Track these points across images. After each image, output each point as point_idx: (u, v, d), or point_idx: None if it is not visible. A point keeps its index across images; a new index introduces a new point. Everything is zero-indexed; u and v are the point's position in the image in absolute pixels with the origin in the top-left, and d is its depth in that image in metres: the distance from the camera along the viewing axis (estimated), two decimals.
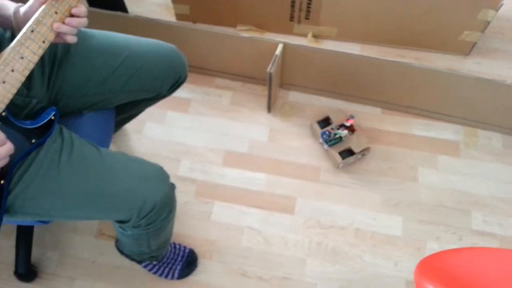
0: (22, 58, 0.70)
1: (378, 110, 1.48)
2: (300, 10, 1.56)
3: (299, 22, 1.61)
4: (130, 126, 1.44)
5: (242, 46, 1.42)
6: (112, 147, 1.42)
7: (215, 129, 1.46)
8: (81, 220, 1.21)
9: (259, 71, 1.42)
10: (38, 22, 0.70)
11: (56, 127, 0.82)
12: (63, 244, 1.25)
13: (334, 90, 1.49)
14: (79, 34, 0.79)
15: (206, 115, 1.49)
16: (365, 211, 1.30)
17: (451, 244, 1.24)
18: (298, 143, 1.43)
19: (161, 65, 0.96)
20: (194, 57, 1.50)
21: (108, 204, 0.79)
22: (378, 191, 1.33)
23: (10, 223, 1.19)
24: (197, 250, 1.23)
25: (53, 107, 0.83)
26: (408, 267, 1.21)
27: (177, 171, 1.38)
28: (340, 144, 1.36)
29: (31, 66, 0.71)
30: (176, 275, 1.17)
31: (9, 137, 0.67)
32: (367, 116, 1.47)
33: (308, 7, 1.53)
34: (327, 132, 1.36)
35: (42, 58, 0.85)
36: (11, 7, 0.75)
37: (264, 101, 1.50)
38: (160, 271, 1.16)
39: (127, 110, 1.11)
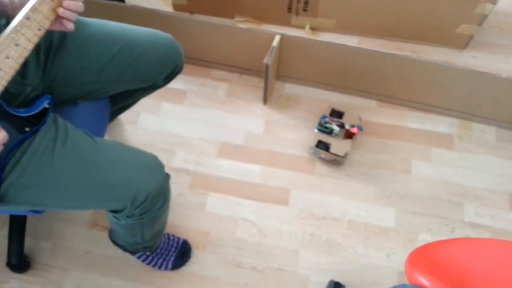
0: (17, 45, 0.69)
1: (373, 103, 1.49)
2: (298, 1, 1.55)
3: (297, 13, 1.60)
4: (125, 117, 1.43)
5: (239, 37, 1.41)
6: (107, 138, 1.41)
7: (211, 121, 1.46)
8: (75, 209, 1.20)
9: (255, 62, 1.42)
10: (34, 9, 0.70)
11: (51, 115, 0.81)
12: (57, 234, 1.25)
13: (330, 83, 1.49)
14: (76, 23, 0.79)
15: (202, 107, 1.49)
16: (358, 203, 1.30)
17: (443, 236, 1.25)
18: (294, 135, 1.43)
19: (158, 54, 0.96)
20: (190, 48, 1.50)
21: (102, 193, 0.79)
22: (371, 183, 1.34)
23: (3, 213, 1.19)
24: (191, 241, 1.24)
25: (48, 96, 0.82)
26: (400, 258, 1.22)
27: (171, 162, 1.38)
28: (327, 136, 1.36)
29: (26, 53, 0.71)
30: (170, 266, 1.17)
31: (3, 125, 0.67)
32: (363, 108, 1.47)
33: None
34: (326, 118, 1.36)
35: (37, 46, 0.83)
36: None
37: (260, 93, 1.50)
38: (153, 262, 1.16)
39: (122, 100, 1.11)
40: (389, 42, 1.62)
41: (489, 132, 1.43)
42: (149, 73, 0.96)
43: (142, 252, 1.14)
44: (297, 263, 1.22)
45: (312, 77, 1.49)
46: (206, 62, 1.55)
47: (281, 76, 1.53)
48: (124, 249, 1.13)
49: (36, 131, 0.78)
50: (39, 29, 0.71)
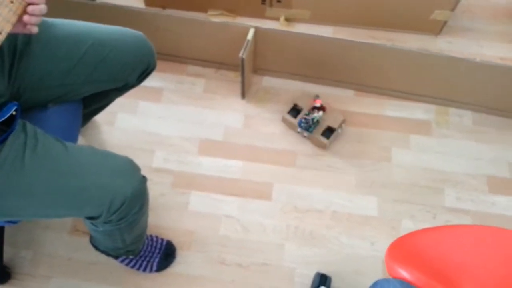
0: None
1: (351, 92, 1.49)
2: None
3: (271, 5, 1.58)
4: (101, 118, 1.40)
5: (213, 32, 1.39)
6: (83, 141, 1.39)
7: (189, 118, 1.44)
8: (50, 218, 1.18)
9: (231, 56, 1.40)
10: None
11: (19, 122, 0.78)
12: (36, 242, 1.22)
13: (307, 74, 1.48)
14: (41, 24, 0.76)
15: (179, 104, 1.47)
16: (341, 193, 1.31)
17: (425, 222, 1.27)
18: (274, 129, 1.42)
19: (128, 53, 0.93)
20: (164, 44, 1.47)
21: (76, 200, 0.77)
22: (353, 173, 1.34)
23: None
24: (175, 241, 1.22)
25: (14, 102, 0.79)
26: (384, 246, 1.22)
27: (151, 163, 1.35)
28: (319, 126, 1.36)
29: None
30: (154, 267, 1.16)
31: None
32: (341, 98, 1.47)
33: None
34: (303, 120, 1.36)
35: (1, 51, 0.81)
36: None
37: (237, 87, 1.48)
38: (137, 265, 1.14)
39: (95, 102, 1.08)
40: (364, 30, 1.61)
41: (466, 117, 1.45)
42: (120, 72, 0.93)
43: (125, 256, 1.12)
44: (282, 257, 1.22)
45: (289, 69, 1.48)
46: (181, 58, 1.53)
47: (258, 70, 1.51)
48: (107, 254, 1.11)
49: (4, 140, 0.75)
50: (0, 33, 0.68)
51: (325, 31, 1.61)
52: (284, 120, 1.41)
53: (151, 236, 1.19)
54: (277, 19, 1.63)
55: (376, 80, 1.44)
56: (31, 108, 0.91)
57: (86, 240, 1.20)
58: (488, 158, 1.37)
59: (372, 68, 1.39)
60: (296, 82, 1.50)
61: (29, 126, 0.80)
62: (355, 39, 1.32)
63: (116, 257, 1.12)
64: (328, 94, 1.47)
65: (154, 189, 1.31)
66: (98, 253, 1.13)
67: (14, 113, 0.78)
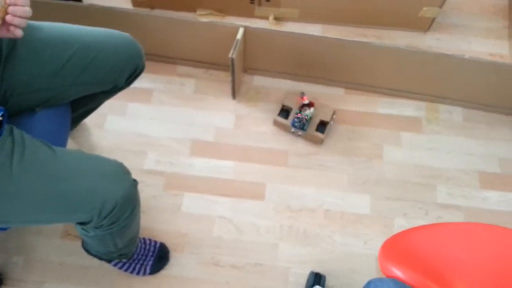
0: None
1: (341, 91, 1.49)
2: None
3: (259, 4, 1.58)
4: (90, 121, 1.38)
5: (202, 32, 1.38)
6: (73, 144, 1.37)
7: (180, 119, 1.43)
8: (39, 224, 1.16)
9: (221, 56, 1.39)
10: None
11: (5, 127, 0.77)
12: (28, 247, 1.21)
13: (297, 73, 1.48)
14: (26, 27, 0.75)
15: (170, 105, 1.46)
16: (333, 192, 1.31)
17: (418, 219, 1.27)
18: (265, 128, 1.41)
19: (116, 55, 0.92)
20: (153, 45, 1.46)
21: (66, 206, 0.76)
22: (345, 171, 1.34)
23: None
24: (169, 244, 1.22)
25: (1, 107, 0.78)
26: (377, 244, 1.23)
27: (143, 165, 1.34)
28: (312, 122, 1.36)
29: None
30: (148, 270, 1.15)
31: None
32: (331, 97, 1.47)
33: None
34: (296, 119, 1.35)
35: None
36: None
37: (228, 88, 1.48)
38: (131, 268, 1.13)
39: (84, 105, 1.07)
40: (353, 28, 1.62)
41: (456, 113, 1.46)
42: (108, 75, 0.92)
43: (118, 260, 1.11)
44: (276, 257, 1.21)
45: (279, 68, 1.47)
46: (171, 59, 1.52)
47: (248, 69, 1.51)
48: (99, 258, 1.09)
49: None
50: None
51: (314, 29, 1.61)
52: (276, 123, 1.40)
53: (144, 239, 1.18)
54: (266, 18, 1.62)
55: (366, 77, 1.44)
56: (19, 113, 0.90)
57: (78, 244, 1.18)
58: (479, 154, 1.38)
59: (361, 66, 1.39)
60: (286, 81, 1.50)
61: (16, 131, 0.79)
62: (344, 37, 1.32)
63: (109, 261, 1.11)
64: (318, 92, 1.47)
65: (146, 191, 1.30)
66: (90, 257, 1.12)
67: (0, 118, 0.76)
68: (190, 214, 1.27)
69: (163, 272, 1.18)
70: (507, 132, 1.43)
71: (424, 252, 0.67)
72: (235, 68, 1.31)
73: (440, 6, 1.50)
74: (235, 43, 1.28)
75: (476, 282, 0.64)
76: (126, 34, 0.97)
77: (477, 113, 1.46)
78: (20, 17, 0.72)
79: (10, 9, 0.71)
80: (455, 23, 1.65)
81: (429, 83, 1.41)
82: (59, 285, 1.16)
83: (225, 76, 1.50)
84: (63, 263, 1.19)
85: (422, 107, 1.46)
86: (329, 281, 1.17)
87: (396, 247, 0.70)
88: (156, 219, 1.26)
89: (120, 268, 1.14)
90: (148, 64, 1.51)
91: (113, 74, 0.93)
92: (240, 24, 1.32)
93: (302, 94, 1.38)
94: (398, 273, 0.64)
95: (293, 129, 1.36)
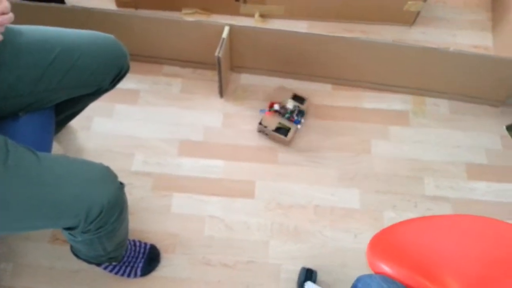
0: None
1: (328, 87, 1.49)
2: None
3: (245, 2, 1.57)
4: (76, 123, 1.37)
5: (188, 31, 1.37)
6: (59, 147, 1.36)
7: (167, 119, 1.42)
8: (25, 231, 1.15)
9: (207, 55, 1.38)
10: None
11: None
12: (17, 253, 1.19)
13: (284, 70, 1.48)
14: (6, 32, 0.73)
15: (157, 105, 1.45)
16: (323, 188, 1.31)
17: (407, 211, 1.28)
18: (254, 126, 1.41)
19: (99, 57, 0.91)
20: (139, 45, 1.45)
21: (51, 212, 0.75)
22: (334, 166, 1.35)
23: None
24: (159, 245, 1.21)
25: None
26: (367, 238, 1.23)
27: (131, 166, 1.33)
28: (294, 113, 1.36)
29: None
30: (139, 273, 1.14)
31: None
32: (318, 93, 1.47)
33: None
34: (288, 115, 1.36)
35: None
36: None
37: (215, 86, 1.47)
38: (121, 271, 1.13)
39: (68, 108, 1.06)
40: (338, 24, 1.62)
41: (442, 105, 1.47)
42: (91, 77, 0.91)
43: (108, 263, 1.10)
44: (267, 254, 1.21)
45: (266, 66, 1.47)
46: (157, 59, 1.51)
47: (235, 67, 1.50)
48: (88, 262, 1.08)
49: None
50: None
51: (300, 26, 1.61)
52: (272, 137, 1.37)
53: (133, 241, 1.17)
54: (252, 15, 1.62)
55: (353, 73, 1.45)
56: (1, 118, 0.88)
57: (67, 248, 1.17)
58: (466, 145, 1.40)
59: (348, 62, 1.40)
60: (273, 79, 1.50)
61: None
62: (330, 33, 1.32)
63: (98, 264, 1.10)
64: (305, 89, 1.48)
65: (134, 193, 1.29)
66: (80, 261, 1.11)
67: None
68: (180, 215, 1.26)
69: (154, 274, 1.17)
70: (493, 123, 1.44)
71: (412, 246, 0.67)
72: (221, 67, 1.31)
73: (425, 0, 1.51)
74: (221, 41, 1.28)
75: (464, 274, 0.65)
76: (110, 36, 0.96)
77: (463, 105, 1.47)
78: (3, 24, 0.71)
79: None
80: (440, 16, 1.66)
81: (415, 76, 1.42)
82: None
83: (212, 75, 1.50)
84: (53, 268, 1.18)
85: (408, 100, 1.47)
86: (320, 276, 1.18)
87: (384, 243, 0.70)
88: (146, 221, 1.25)
89: (111, 271, 1.13)
90: (134, 65, 1.49)
91: (97, 77, 0.92)
92: (226, 22, 1.32)
93: (271, 104, 1.38)
94: (386, 269, 0.64)
95: (299, 126, 1.36)
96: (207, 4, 1.60)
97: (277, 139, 1.36)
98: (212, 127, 1.41)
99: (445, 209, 1.29)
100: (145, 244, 1.18)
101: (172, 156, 1.36)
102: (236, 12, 1.61)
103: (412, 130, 1.42)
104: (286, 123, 1.35)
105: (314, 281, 1.14)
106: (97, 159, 1.32)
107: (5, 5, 0.71)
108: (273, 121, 1.35)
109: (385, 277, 0.64)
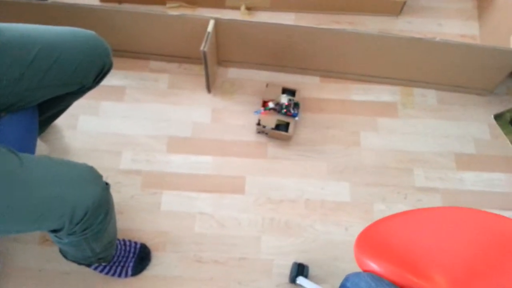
0: None
1: (316, 79, 1.48)
2: None
3: None
4: (62, 122, 1.35)
5: (172, 25, 1.35)
6: (45, 147, 1.33)
7: (155, 116, 1.40)
8: (8, 234, 1.13)
9: (193, 50, 1.36)
10: None
11: None
12: (5, 255, 1.18)
13: (271, 63, 1.46)
14: None
15: (144, 102, 1.43)
16: (313, 181, 1.31)
17: (397, 203, 1.29)
18: (243, 121, 1.40)
19: (81, 54, 0.89)
20: (123, 41, 1.42)
21: (34, 214, 0.73)
22: (323, 160, 1.34)
23: None
24: (150, 244, 1.20)
25: None
26: (358, 230, 1.22)
27: (119, 165, 1.31)
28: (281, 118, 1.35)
29: None
30: (129, 272, 1.13)
31: None
32: (307, 85, 1.46)
33: None
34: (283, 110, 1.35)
35: None
36: None
37: (203, 81, 1.45)
38: (112, 271, 1.12)
39: (52, 107, 1.03)
40: (325, 15, 1.60)
41: (430, 96, 1.47)
42: (73, 75, 0.89)
43: (97, 264, 1.09)
44: (259, 250, 1.21)
45: (253, 59, 1.45)
46: (142, 54, 1.48)
47: (222, 62, 1.48)
48: (78, 263, 1.07)
49: None
50: None
51: (287, 18, 1.60)
52: (273, 135, 1.36)
53: (123, 240, 1.16)
54: (238, 8, 1.59)
55: (340, 65, 1.44)
56: None
57: (56, 250, 1.15)
58: (454, 135, 1.40)
59: (335, 53, 1.39)
60: (261, 72, 1.48)
61: None
62: (316, 25, 1.31)
63: (88, 265, 1.09)
64: (293, 82, 1.46)
65: (123, 192, 1.28)
66: (70, 262, 1.10)
67: None
68: (170, 212, 1.25)
69: (145, 273, 1.17)
70: (481, 112, 1.45)
71: (398, 242, 0.67)
72: (208, 61, 1.29)
73: None
74: (206, 35, 1.26)
75: (451, 268, 0.65)
76: (91, 32, 0.93)
77: (451, 95, 1.47)
78: None
79: None
80: (426, 6, 1.65)
81: (402, 67, 1.41)
82: None
83: (199, 70, 1.48)
84: (43, 270, 1.17)
85: (396, 91, 1.47)
86: (312, 270, 1.18)
87: (370, 240, 0.70)
88: (135, 220, 1.24)
89: (101, 271, 1.12)
90: (119, 61, 1.48)
91: (79, 74, 0.90)
92: (211, 16, 1.30)
93: (264, 104, 1.37)
94: (374, 266, 0.64)
95: (297, 118, 1.35)
96: None
97: (278, 136, 1.35)
98: (201, 123, 1.39)
99: (434, 200, 1.29)
100: (135, 243, 1.16)
101: (160, 153, 1.34)
102: (222, 5, 1.59)
103: (400, 121, 1.42)
104: (284, 118, 1.34)
105: (306, 276, 1.14)
106: (84, 158, 1.32)
107: None
108: (271, 119, 1.33)
109: (373, 275, 0.64)
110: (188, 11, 1.58)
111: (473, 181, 1.33)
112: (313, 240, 1.23)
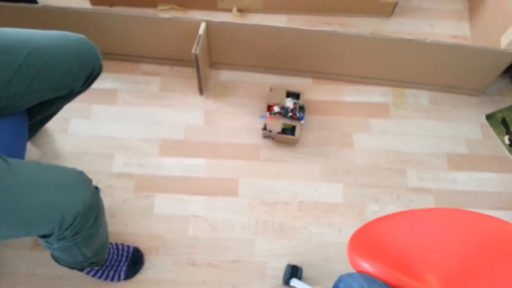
0: None
1: (309, 81, 1.48)
2: None
3: None
4: (53, 126, 1.34)
5: (164, 28, 1.34)
6: (36, 151, 1.32)
7: (147, 119, 1.40)
8: None
9: (185, 53, 1.36)
10: None
11: None
12: None
13: (264, 65, 1.46)
14: None
15: (136, 105, 1.42)
16: (307, 183, 1.31)
17: (390, 204, 1.29)
18: (235, 123, 1.40)
19: (70, 58, 0.88)
20: (115, 44, 1.42)
21: (23, 220, 0.73)
22: (316, 161, 1.34)
23: None
24: (143, 247, 1.19)
25: None
26: (351, 232, 1.22)
27: (111, 168, 1.31)
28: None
29: None
30: (122, 276, 1.12)
31: None
32: (299, 87, 1.46)
33: None
34: (289, 112, 1.34)
35: None
36: None
37: (195, 84, 1.45)
38: (104, 275, 1.11)
39: (42, 111, 1.02)
40: (317, 17, 1.61)
41: (422, 96, 1.47)
42: (62, 80, 0.88)
43: (89, 268, 1.08)
44: (253, 252, 1.21)
45: (245, 61, 1.45)
46: (134, 57, 1.47)
47: (214, 64, 1.48)
48: (70, 267, 1.06)
49: None
50: None
51: (279, 19, 1.60)
52: (279, 139, 1.35)
53: (116, 244, 1.15)
54: (230, 10, 1.59)
55: (332, 66, 1.44)
56: None
57: (48, 254, 1.14)
58: (446, 136, 1.41)
59: (327, 55, 1.39)
60: (253, 74, 1.48)
61: None
62: (308, 27, 1.31)
63: (81, 269, 1.08)
64: (286, 84, 1.47)
65: (116, 195, 1.27)
66: (62, 267, 1.09)
67: None
68: (163, 215, 1.25)
69: (138, 277, 1.16)
70: (472, 113, 1.45)
71: (391, 243, 0.67)
72: (199, 64, 1.29)
73: None
74: (197, 38, 1.26)
75: (443, 268, 0.65)
76: (81, 36, 0.93)
77: (443, 95, 1.48)
78: None
79: None
80: (417, 7, 1.66)
81: (394, 68, 1.42)
82: None
83: (191, 72, 1.47)
84: (34, 275, 1.16)
85: (388, 92, 1.47)
86: (306, 272, 1.18)
87: (363, 241, 0.70)
88: (128, 223, 1.23)
89: (93, 276, 1.11)
90: (111, 64, 1.47)
91: (68, 79, 0.89)
92: (202, 18, 1.30)
93: (268, 109, 1.37)
94: (367, 267, 0.64)
95: (302, 121, 1.34)
96: (184, 0, 1.57)
97: (285, 140, 1.35)
98: (193, 125, 1.39)
99: (427, 201, 1.30)
100: (128, 247, 1.16)
101: (153, 156, 1.33)
102: (213, 7, 1.59)
103: (393, 122, 1.42)
104: (289, 122, 1.34)
105: (300, 278, 1.14)
106: (75, 162, 1.31)
107: None
108: (277, 124, 1.33)
109: (366, 276, 0.63)
110: (179, 14, 1.58)
111: (466, 181, 1.33)
112: (307, 242, 1.23)
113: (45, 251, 1.17)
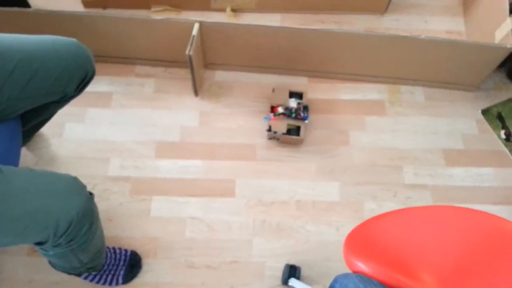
0: None
1: (304, 80, 1.48)
2: None
3: None
4: (48, 130, 1.33)
5: (157, 30, 1.34)
6: (31, 156, 1.32)
7: (143, 121, 1.39)
8: None
9: (179, 54, 1.35)
10: None
11: None
12: None
13: (259, 65, 1.46)
14: None
15: (131, 107, 1.41)
16: (304, 182, 1.30)
17: (387, 201, 1.28)
18: (231, 124, 1.39)
19: (62, 63, 0.88)
20: (108, 46, 1.41)
21: (17, 228, 0.72)
22: (313, 160, 1.34)
23: None
24: (140, 251, 1.19)
25: None
26: (349, 230, 1.22)
27: (107, 172, 1.30)
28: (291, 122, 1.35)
29: None
30: (120, 280, 1.12)
31: None
32: (295, 86, 1.46)
33: None
34: (293, 113, 1.34)
35: None
36: None
37: (189, 85, 1.44)
38: (102, 280, 1.10)
39: (35, 116, 1.02)
40: (311, 15, 1.60)
41: (417, 93, 1.47)
42: (55, 85, 0.88)
43: (87, 273, 1.07)
44: (251, 253, 1.20)
45: (240, 61, 1.45)
46: (128, 59, 1.47)
47: (209, 65, 1.47)
48: (67, 273, 1.06)
49: None
50: None
51: (274, 18, 1.59)
52: (284, 140, 1.35)
53: (113, 248, 1.15)
54: (224, 10, 1.59)
55: (328, 64, 1.43)
56: None
57: (45, 260, 1.13)
58: (443, 132, 1.41)
59: (322, 53, 1.38)
60: (248, 74, 1.48)
61: None
62: (302, 26, 1.30)
63: (78, 275, 1.08)
64: (282, 83, 1.46)
65: (112, 199, 1.26)
66: (60, 272, 1.08)
67: None
68: (160, 218, 1.24)
69: (136, 281, 1.15)
70: (468, 108, 1.45)
71: (386, 242, 0.67)
72: (193, 65, 1.28)
73: None
74: (191, 39, 1.25)
75: (439, 267, 0.65)
76: (72, 40, 0.92)
77: (439, 91, 1.48)
78: None
79: None
80: (411, 3, 1.66)
81: (389, 65, 1.42)
82: None
83: (186, 74, 1.47)
84: (32, 281, 1.15)
85: (384, 89, 1.47)
86: (304, 272, 1.18)
87: (359, 240, 0.69)
88: (125, 227, 1.23)
89: (91, 280, 1.10)
90: (104, 66, 1.47)
91: (61, 83, 0.89)
92: (196, 19, 1.29)
93: (271, 110, 1.36)
94: (363, 267, 0.63)
95: (307, 121, 1.34)
96: (177, 1, 1.56)
97: (290, 141, 1.34)
98: (189, 127, 1.38)
99: (424, 197, 1.30)
100: (125, 250, 1.15)
101: (149, 158, 1.33)
102: (207, 8, 1.58)
103: (389, 119, 1.42)
104: (294, 122, 1.33)
105: (298, 277, 1.14)
106: (71, 166, 1.30)
107: None
108: (282, 125, 1.33)
109: (362, 276, 0.63)
110: (172, 15, 1.57)
111: (462, 176, 1.33)
112: (305, 241, 1.22)
113: (42, 257, 1.15)
